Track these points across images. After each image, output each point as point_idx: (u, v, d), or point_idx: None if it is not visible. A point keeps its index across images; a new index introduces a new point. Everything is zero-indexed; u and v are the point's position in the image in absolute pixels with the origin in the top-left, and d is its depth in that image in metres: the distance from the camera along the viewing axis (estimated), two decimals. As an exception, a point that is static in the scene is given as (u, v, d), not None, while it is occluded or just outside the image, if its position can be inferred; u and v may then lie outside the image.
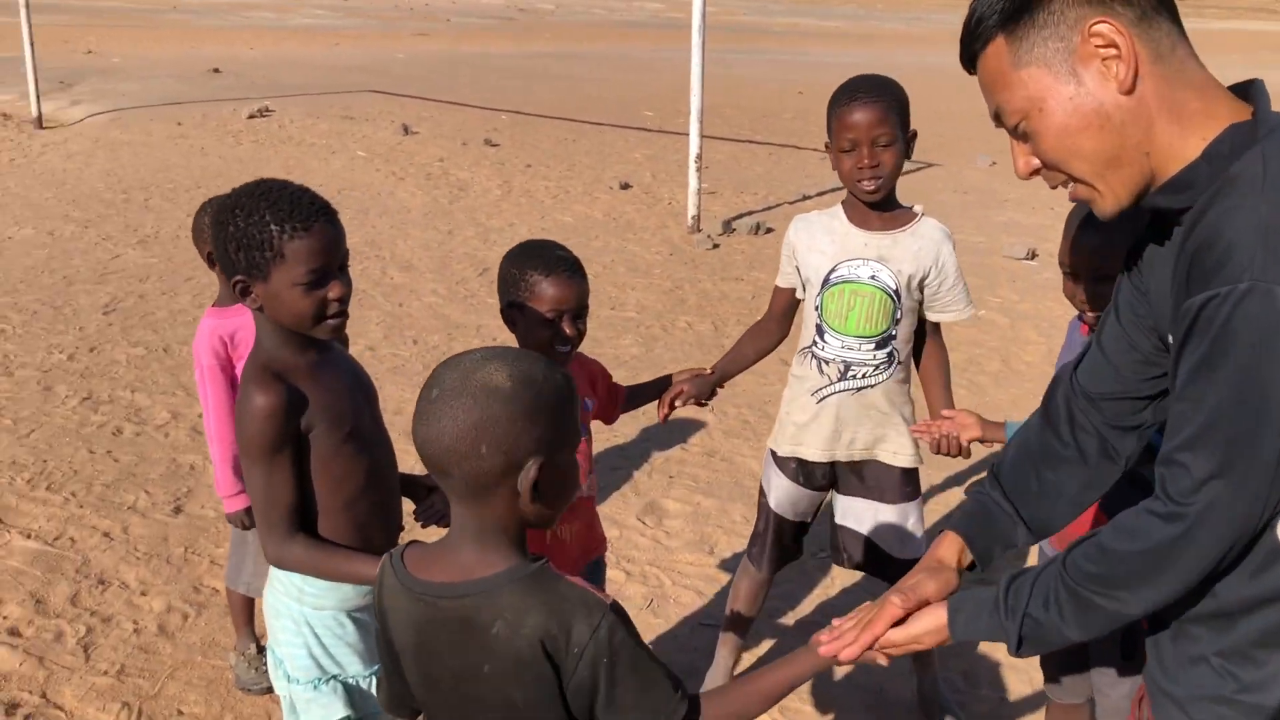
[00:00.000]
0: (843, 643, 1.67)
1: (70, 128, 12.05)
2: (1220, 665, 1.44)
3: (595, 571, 2.71)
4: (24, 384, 5.28)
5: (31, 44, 11.89)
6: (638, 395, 2.79)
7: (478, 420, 1.45)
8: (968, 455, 2.69)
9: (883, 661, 1.70)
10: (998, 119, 1.50)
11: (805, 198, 9.93)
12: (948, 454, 2.63)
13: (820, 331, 2.78)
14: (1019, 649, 1.56)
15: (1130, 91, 1.37)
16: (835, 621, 1.73)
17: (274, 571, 2.14)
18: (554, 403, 1.50)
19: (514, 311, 2.39)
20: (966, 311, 2.80)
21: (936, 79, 15.34)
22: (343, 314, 2.02)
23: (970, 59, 1.50)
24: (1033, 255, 8.27)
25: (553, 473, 1.50)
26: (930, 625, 1.64)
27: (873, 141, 2.61)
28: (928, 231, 2.73)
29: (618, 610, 1.49)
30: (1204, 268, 1.30)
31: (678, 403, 2.79)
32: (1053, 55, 1.39)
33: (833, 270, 2.74)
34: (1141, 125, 1.39)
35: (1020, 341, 6.50)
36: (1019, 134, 1.47)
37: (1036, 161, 1.48)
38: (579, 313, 2.39)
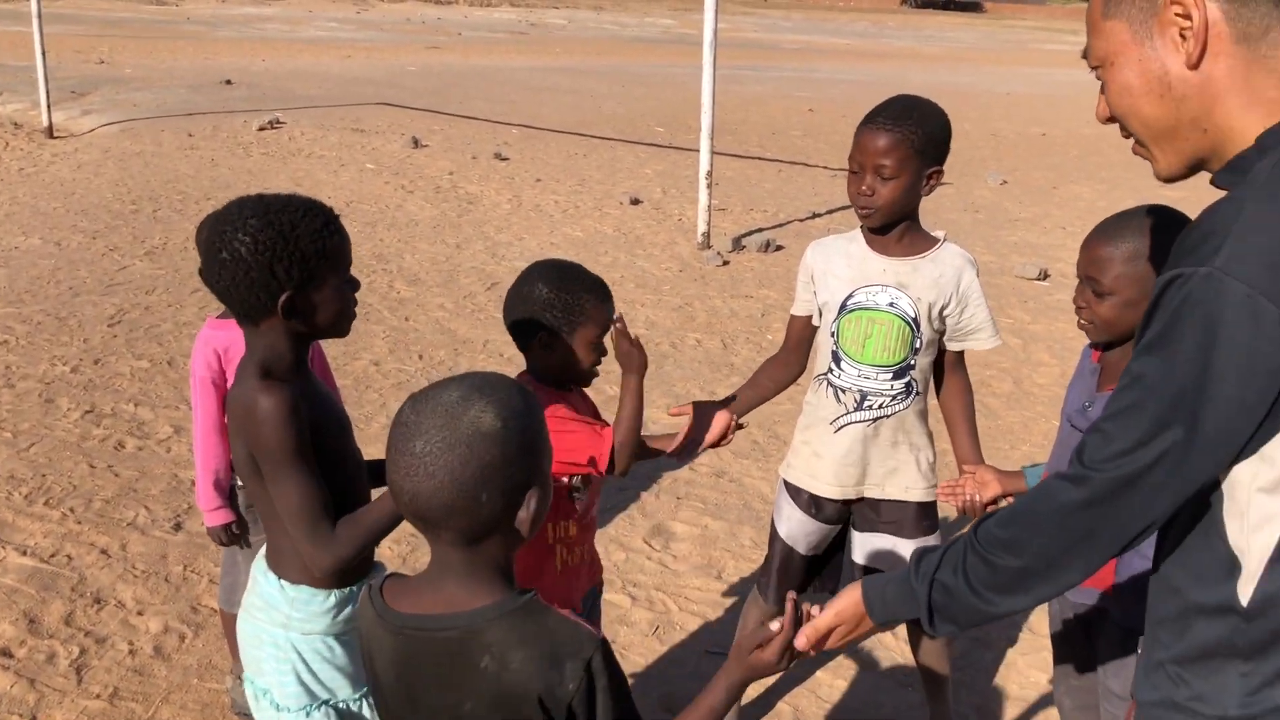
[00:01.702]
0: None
1: (81, 137, 12.06)
2: (1176, 672, 1.42)
3: (594, 597, 2.64)
4: (25, 396, 5.23)
5: (43, 53, 11.92)
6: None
7: (477, 470, 1.38)
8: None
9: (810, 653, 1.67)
10: (1085, 57, 1.51)
11: (815, 215, 9.88)
12: (972, 515, 2.55)
13: (836, 359, 2.70)
14: (930, 619, 1.55)
15: (1195, 67, 1.36)
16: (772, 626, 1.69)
17: (253, 599, 2.08)
18: (539, 426, 1.47)
19: (555, 335, 2.35)
20: (992, 340, 2.70)
21: (947, 97, 15.28)
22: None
23: None
24: (1044, 275, 8.19)
25: (545, 495, 1.47)
26: (847, 599, 1.66)
27: (876, 170, 2.53)
28: (949, 258, 2.64)
29: (606, 647, 1.45)
30: (1181, 247, 1.33)
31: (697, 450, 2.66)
32: (1137, 13, 1.40)
33: (850, 296, 2.66)
34: (1202, 102, 1.37)
35: (1032, 363, 6.43)
36: (1098, 79, 1.48)
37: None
38: None
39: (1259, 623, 1.34)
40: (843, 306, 2.67)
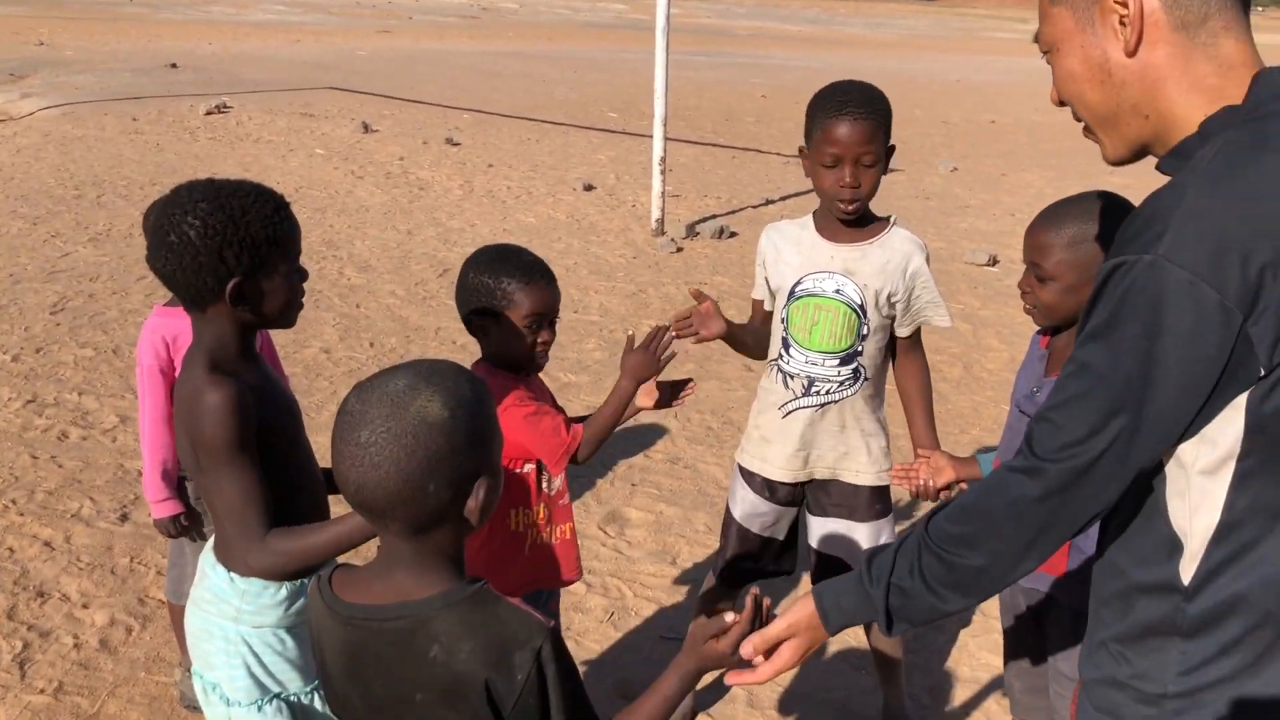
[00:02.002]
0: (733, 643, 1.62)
1: (20, 121, 11.78)
2: (1118, 651, 1.45)
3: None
4: (-35, 386, 5.11)
5: (-19, 35, 11.63)
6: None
7: (423, 460, 1.37)
8: (949, 502, 2.62)
9: (758, 676, 1.61)
10: (1037, 42, 1.53)
11: (768, 202, 9.91)
12: (925, 499, 2.57)
13: (786, 345, 2.71)
14: (889, 624, 1.53)
15: (1133, 54, 1.38)
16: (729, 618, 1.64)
17: (201, 593, 2.05)
18: (489, 415, 1.46)
19: (486, 321, 2.32)
20: (943, 320, 2.73)
21: (898, 84, 15.40)
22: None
23: None
24: (994, 261, 8.28)
25: (495, 484, 1.45)
26: (801, 611, 1.61)
27: (857, 160, 2.52)
28: (897, 243, 2.66)
29: (556, 635, 1.44)
30: (1124, 234, 1.33)
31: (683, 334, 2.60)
32: (1080, 1, 1.42)
33: (798, 283, 2.67)
34: (1143, 89, 1.39)
35: (982, 348, 6.50)
36: (1048, 64, 1.51)
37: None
38: (553, 319, 2.36)
39: (1199, 601, 1.36)
40: (791, 293, 2.68)
